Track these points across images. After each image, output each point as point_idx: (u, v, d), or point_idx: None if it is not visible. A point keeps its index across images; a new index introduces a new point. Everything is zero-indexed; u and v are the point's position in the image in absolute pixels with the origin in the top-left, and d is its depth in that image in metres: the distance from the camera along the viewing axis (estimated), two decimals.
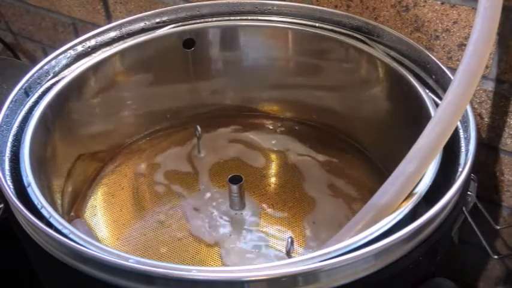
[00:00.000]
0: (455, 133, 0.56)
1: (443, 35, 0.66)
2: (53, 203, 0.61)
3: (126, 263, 0.44)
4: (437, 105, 0.58)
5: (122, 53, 0.71)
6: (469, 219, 0.54)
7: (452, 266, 0.80)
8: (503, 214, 0.73)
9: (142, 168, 0.75)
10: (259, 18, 0.75)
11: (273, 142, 0.78)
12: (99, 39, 0.71)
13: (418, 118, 0.60)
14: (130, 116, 0.77)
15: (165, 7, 0.74)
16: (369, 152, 0.75)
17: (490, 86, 0.66)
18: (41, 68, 0.65)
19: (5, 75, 0.90)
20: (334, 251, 0.44)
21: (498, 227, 0.65)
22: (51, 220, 0.49)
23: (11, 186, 0.53)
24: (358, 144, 0.76)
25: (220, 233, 0.65)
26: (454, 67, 0.67)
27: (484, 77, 0.65)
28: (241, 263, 0.62)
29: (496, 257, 0.63)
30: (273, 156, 0.76)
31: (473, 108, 0.68)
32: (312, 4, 0.73)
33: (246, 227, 0.66)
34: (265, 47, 0.76)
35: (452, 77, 0.55)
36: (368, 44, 0.69)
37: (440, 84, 0.62)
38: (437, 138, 0.51)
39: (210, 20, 0.75)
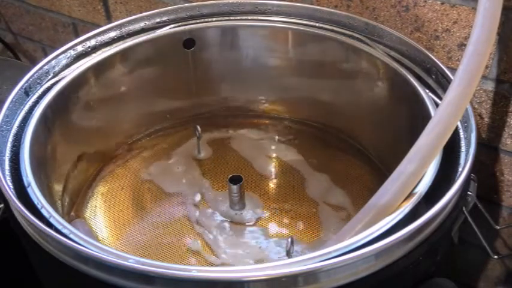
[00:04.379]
0: (455, 133, 0.56)
1: (443, 35, 0.66)
2: (53, 203, 0.61)
3: (126, 263, 0.44)
4: (437, 105, 0.58)
5: (122, 53, 0.71)
6: (469, 219, 0.54)
7: (452, 266, 0.80)
8: (503, 214, 0.73)
9: (143, 168, 0.75)
10: (259, 18, 0.75)
11: (273, 142, 0.78)
12: (99, 39, 0.71)
13: (418, 118, 0.60)
14: (130, 116, 0.77)
15: (165, 7, 0.74)
16: (369, 152, 0.75)
17: (490, 86, 0.66)
18: (41, 68, 0.65)
19: (5, 76, 0.90)
20: (334, 251, 0.44)
21: (498, 227, 0.65)
22: (51, 220, 0.49)
23: (11, 186, 0.53)
24: (358, 144, 0.76)
25: (220, 233, 0.65)
26: (454, 67, 0.67)
27: (484, 77, 0.65)
28: (241, 263, 0.62)
29: (496, 257, 0.63)
30: (273, 156, 0.76)
31: (473, 108, 0.68)
32: (312, 4, 0.73)
33: (246, 227, 0.66)
34: (265, 47, 0.76)
35: (452, 77, 0.55)
36: (368, 44, 0.69)
37: (440, 84, 0.62)
38: (437, 138, 0.51)
39: (210, 20, 0.75)
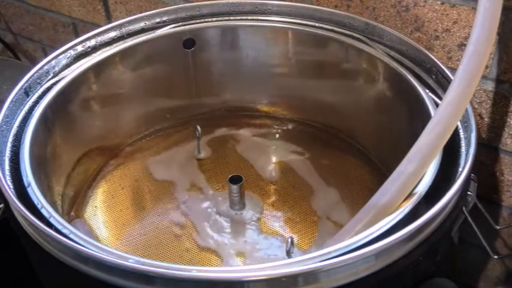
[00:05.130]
0: (455, 133, 0.56)
1: (443, 35, 0.66)
2: (53, 203, 0.61)
3: (126, 263, 0.44)
4: (437, 105, 0.58)
5: (122, 53, 0.71)
6: (469, 219, 0.54)
7: (452, 266, 0.80)
8: (503, 214, 0.73)
9: (143, 168, 0.75)
10: (259, 18, 0.75)
11: (273, 142, 0.78)
12: (99, 39, 0.71)
13: (418, 118, 0.60)
14: (130, 116, 0.77)
15: (165, 7, 0.74)
16: (369, 152, 0.75)
17: (490, 86, 0.66)
18: (41, 68, 0.65)
19: (5, 76, 0.90)
20: (334, 251, 0.44)
21: (498, 227, 0.65)
22: (51, 220, 0.49)
23: (11, 186, 0.53)
24: (358, 144, 0.76)
25: (220, 233, 0.65)
26: (454, 67, 0.67)
27: (484, 77, 0.65)
28: (241, 263, 0.62)
29: (496, 257, 0.63)
30: (273, 156, 0.76)
31: (473, 108, 0.68)
32: (312, 4, 0.73)
33: (246, 227, 0.66)
34: (265, 47, 0.76)
35: (452, 77, 0.55)
36: (368, 44, 0.69)
37: (440, 84, 0.62)
38: (437, 138, 0.51)
39: (210, 20, 0.75)
